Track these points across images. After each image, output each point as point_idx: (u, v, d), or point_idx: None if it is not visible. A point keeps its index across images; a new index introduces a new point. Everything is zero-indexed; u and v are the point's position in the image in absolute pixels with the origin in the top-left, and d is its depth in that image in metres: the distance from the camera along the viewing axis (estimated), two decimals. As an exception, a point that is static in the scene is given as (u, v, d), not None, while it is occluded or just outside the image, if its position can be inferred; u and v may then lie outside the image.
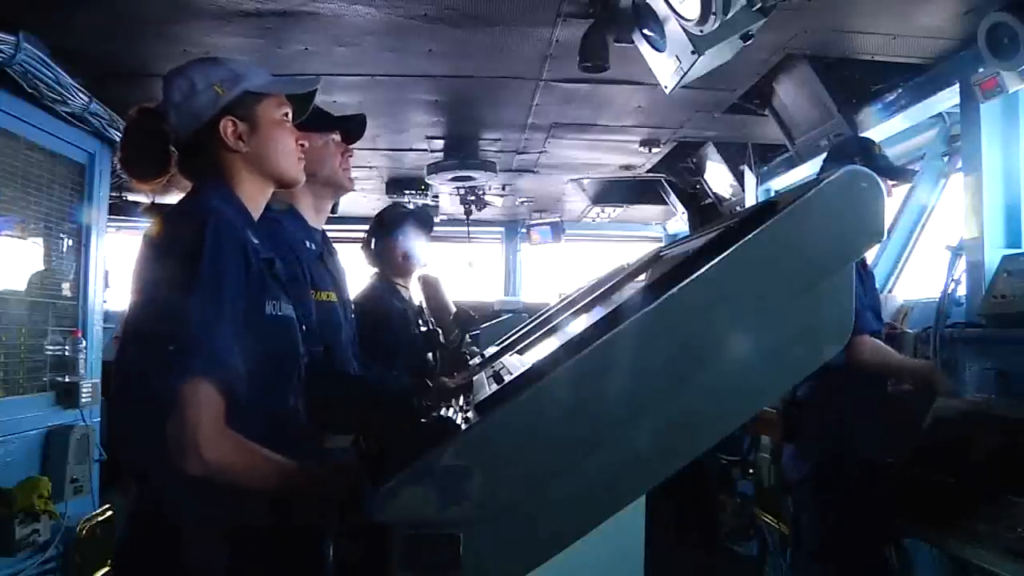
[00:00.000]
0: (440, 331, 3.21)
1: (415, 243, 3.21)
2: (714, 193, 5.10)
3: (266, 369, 1.35)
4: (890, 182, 2.82)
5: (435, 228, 3.54)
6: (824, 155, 3.25)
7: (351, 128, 2.16)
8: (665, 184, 5.59)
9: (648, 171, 5.22)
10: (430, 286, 3.42)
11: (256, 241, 1.39)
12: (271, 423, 1.35)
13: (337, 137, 2.10)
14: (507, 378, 1.43)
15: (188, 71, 1.45)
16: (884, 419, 2.60)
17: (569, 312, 2.20)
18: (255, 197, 1.49)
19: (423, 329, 3.19)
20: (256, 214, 1.50)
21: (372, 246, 3.28)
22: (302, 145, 1.54)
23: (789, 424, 2.77)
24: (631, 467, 1.06)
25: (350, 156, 2.13)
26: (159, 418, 1.18)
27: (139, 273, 1.33)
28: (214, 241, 1.26)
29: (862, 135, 3.20)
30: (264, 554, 1.28)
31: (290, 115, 1.53)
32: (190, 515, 1.24)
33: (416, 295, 3.41)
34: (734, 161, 4.69)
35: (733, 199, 4.91)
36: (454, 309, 3.31)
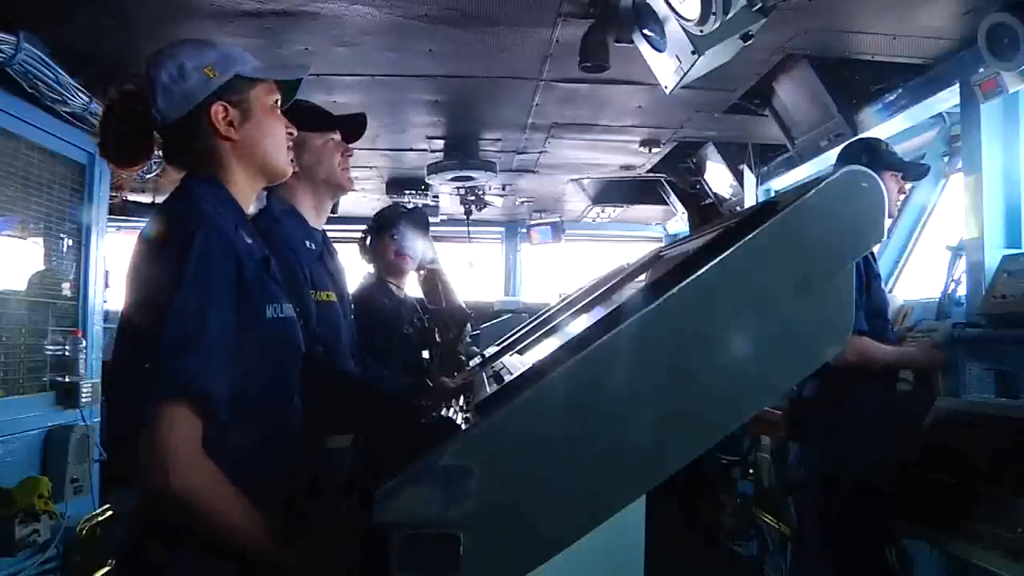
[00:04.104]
0: (436, 329, 3.21)
1: (409, 242, 3.21)
2: (714, 193, 5.10)
3: (270, 371, 1.32)
4: (903, 181, 2.81)
5: (435, 228, 3.54)
6: (824, 156, 3.25)
7: (352, 127, 2.14)
8: (665, 184, 5.59)
9: (648, 171, 5.22)
10: (428, 281, 3.42)
11: (250, 241, 1.35)
12: (276, 423, 1.34)
13: (337, 136, 2.09)
14: (507, 378, 1.43)
15: (177, 52, 1.36)
16: (886, 419, 2.60)
17: (569, 312, 2.20)
18: (245, 190, 1.43)
19: (416, 327, 3.18)
20: (247, 207, 1.44)
21: (367, 244, 3.29)
22: (291, 134, 1.47)
23: (794, 424, 2.77)
24: (631, 467, 1.06)
25: (350, 156, 2.11)
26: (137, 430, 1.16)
27: (129, 278, 1.29)
28: (201, 256, 1.20)
29: (867, 135, 3.20)
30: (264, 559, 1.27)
31: (279, 103, 1.46)
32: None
33: (413, 293, 3.40)
34: (734, 161, 4.69)
35: (733, 199, 4.91)
36: (460, 302, 3.31)
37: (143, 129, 1.37)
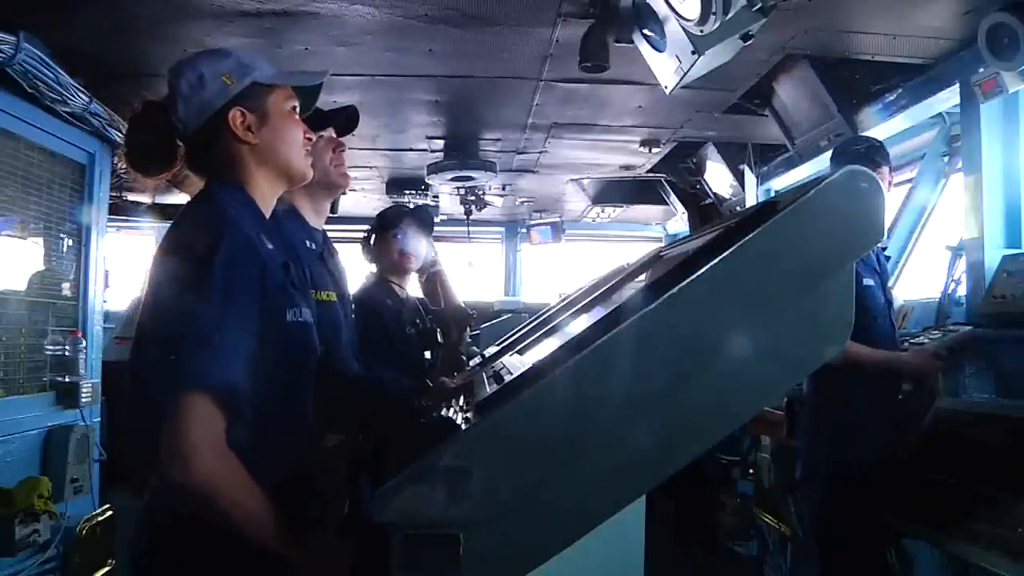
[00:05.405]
0: (438, 330, 3.20)
1: (412, 242, 3.20)
2: (714, 193, 5.10)
3: (288, 373, 1.35)
4: (889, 178, 2.80)
5: (435, 228, 3.53)
6: (824, 156, 3.22)
7: (343, 121, 2.12)
8: (665, 184, 5.60)
9: (648, 171, 5.22)
10: (430, 283, 3.42)
11: (271, 246, 1.37)
12: (291, 424, 1.37)
13: (328, 133, 2.07)
14: (507, 378, 1.43)
15: (196, 62, 1.41)
16: (886, 418, 2.60)
17: (569, 312, 2.20)
18: (266, 194, 1.46)
19: (419, 327, 3.18)
20: (267, 211, 1.47)
21: (371, 243, 3.28)
22: (309, 139, 1.51)
23: (793, 423, 2.77)
24: (631, 467, 1.06)
25: (342, 151, 2.09)
26: (158, 425, 1.17)
27: (152, 277, 1.31)
28: (227, 260, 1.23)
29: (863, 135, 3.19)
30: (277, 558, 1.27)
31: (298, 109, 1.51)
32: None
33: (415, 293, 3.40)
34: (734, 161, 4.69)
35: (733, 199, 4.91)
36: (459, 303, 3.30)
37: (167, 139, 1.41)
